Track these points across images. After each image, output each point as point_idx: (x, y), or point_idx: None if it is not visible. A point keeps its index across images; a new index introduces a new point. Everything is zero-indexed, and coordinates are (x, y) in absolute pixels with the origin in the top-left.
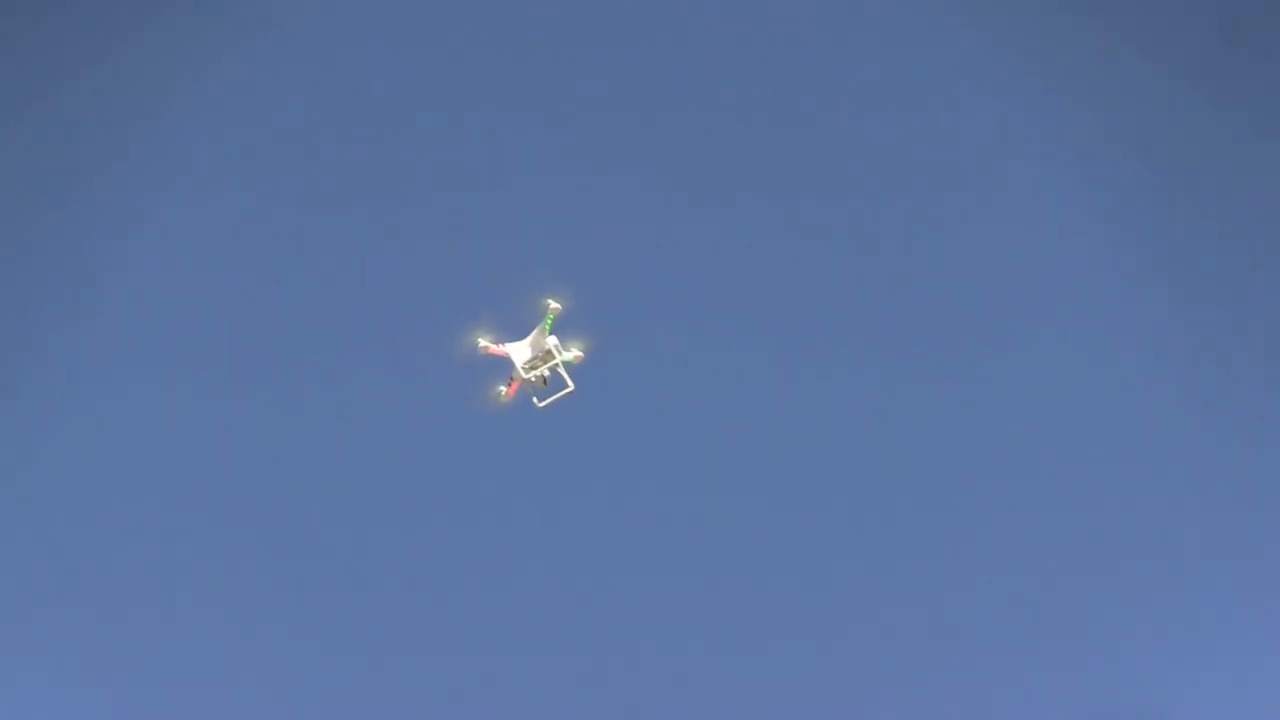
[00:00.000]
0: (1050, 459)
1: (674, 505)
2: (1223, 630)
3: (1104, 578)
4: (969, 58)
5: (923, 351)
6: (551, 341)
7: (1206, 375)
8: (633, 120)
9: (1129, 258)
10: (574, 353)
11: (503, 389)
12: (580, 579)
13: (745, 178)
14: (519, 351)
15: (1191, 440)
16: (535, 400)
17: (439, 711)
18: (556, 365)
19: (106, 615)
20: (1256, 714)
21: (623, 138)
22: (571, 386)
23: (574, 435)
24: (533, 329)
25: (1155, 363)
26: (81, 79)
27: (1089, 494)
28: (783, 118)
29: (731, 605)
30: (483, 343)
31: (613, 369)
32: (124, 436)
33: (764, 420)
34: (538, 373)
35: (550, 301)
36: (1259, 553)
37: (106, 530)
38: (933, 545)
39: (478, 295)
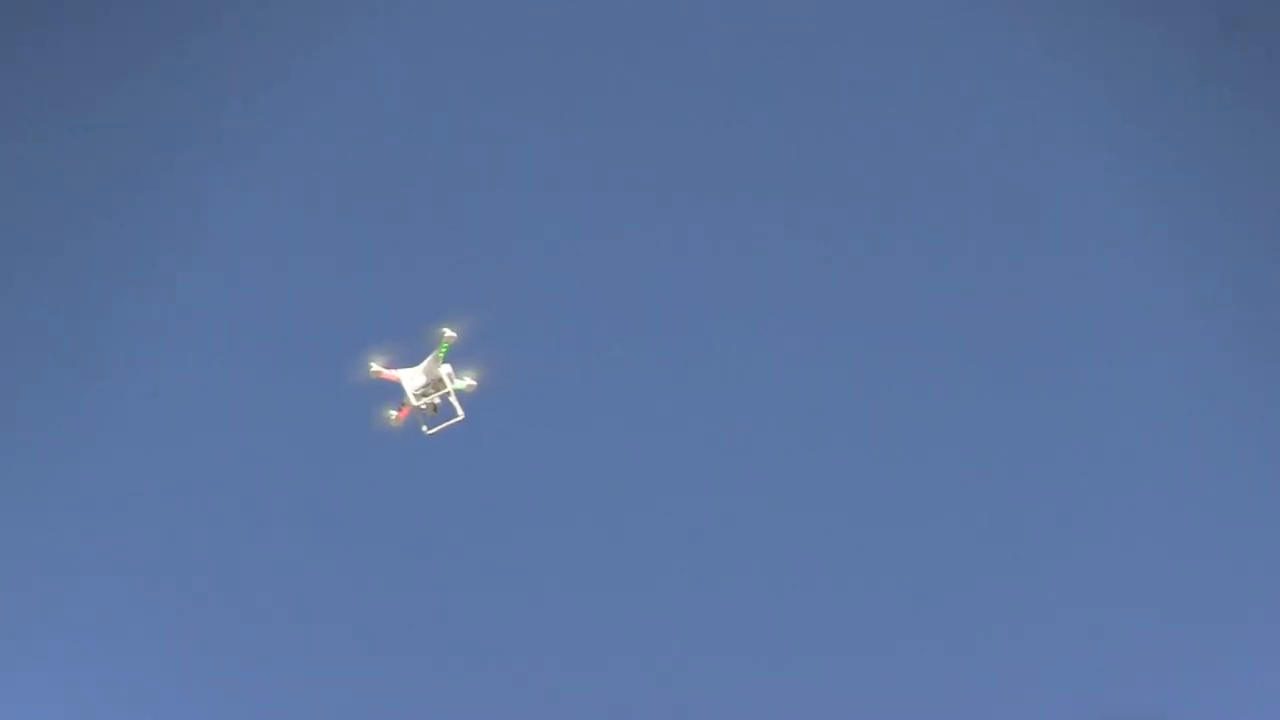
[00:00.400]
0: (1062, 464)
1: (702, 510)
2: (1223, 630)
3: (1105, 577)
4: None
5: (948, 362)
6: (445, 369)
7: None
8: (660, 128)
9: (1180, 274)
10: (467, 381)
11: (393, 413)
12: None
13: (786, 193)
14: (411, 378)
15: (1216, 448)
16: (424, 428)
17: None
18: (448, 393)
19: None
20: (1257, 714)
21: (648, 145)
22: (461, 415)
23: (581, 443)
24: (427, 356)
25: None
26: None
27: (1091, 495)
28: (817, 127)
29: (742, 610)
30: (374, 367)
31: (644, 376)
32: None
33: (795, 431)
34: (428, 400)
35: (445, 330)
36: (1260, 553)
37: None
38: (933, 546)
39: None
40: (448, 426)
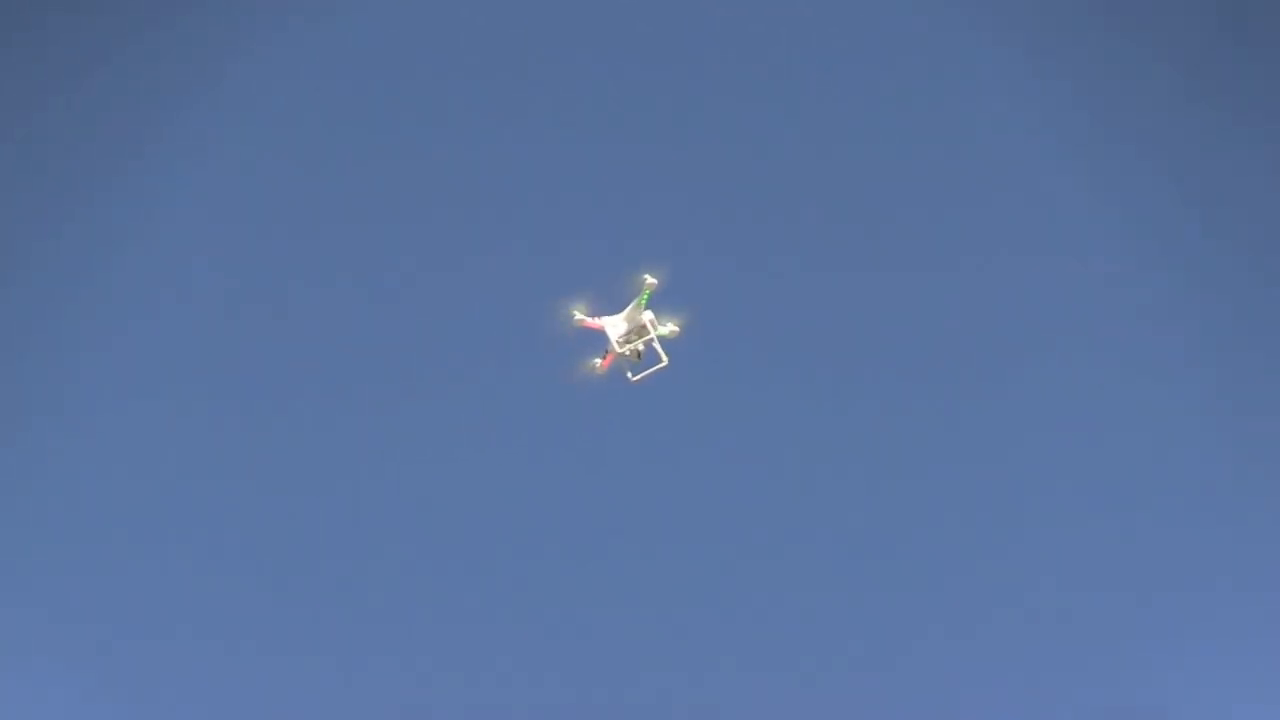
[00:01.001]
0: (1063, 470)
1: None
2: (1223, 631)
3: (1104, 578)
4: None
5: (944, 369)
6: (647, 316)
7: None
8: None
9: (1162, 282)
10: (670, 327)
11: (597, 362)
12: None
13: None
14: (614, 325)
15: (1204, 452)
16: (629, 374)
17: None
18: (651, 340)
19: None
20: (1256, 714)
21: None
22: (665, 361)
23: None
24: (628, 304)
25: (1181, 380)
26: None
27: (1092, 498)
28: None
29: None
30: (577, 315)
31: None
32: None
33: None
34: (631, 346)
35: (647, 277)
36: (1261, 553)
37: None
38: (934, 545)
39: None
40: (653, 372)
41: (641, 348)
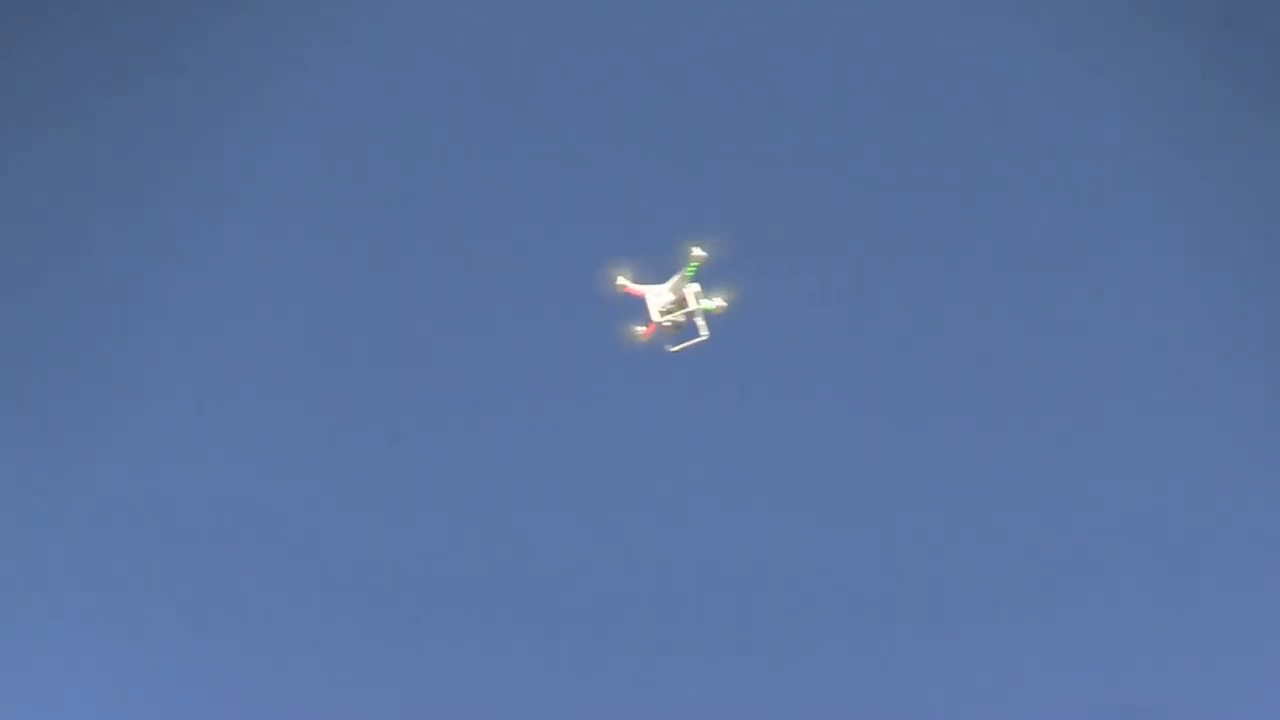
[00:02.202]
0: (1063, 470)
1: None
2: (1224, 630)
3: (1104, 579)
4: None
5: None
6: (693, 289)
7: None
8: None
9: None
10: (716, 302)
11: (639, 329)
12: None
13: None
14: (657, 295)
15: (1205, 451)
16: (668, 346)
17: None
18: (695, 313)
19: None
20: (1257, 714)
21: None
22: (705, 335)
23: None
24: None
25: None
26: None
27: (1094, 496)
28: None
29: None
30: (620, 280)
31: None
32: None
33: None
34: (672, 318)
35: (695, 249)
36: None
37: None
38: (935, 545)
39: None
40: (691, 345)
41: (682, 319)
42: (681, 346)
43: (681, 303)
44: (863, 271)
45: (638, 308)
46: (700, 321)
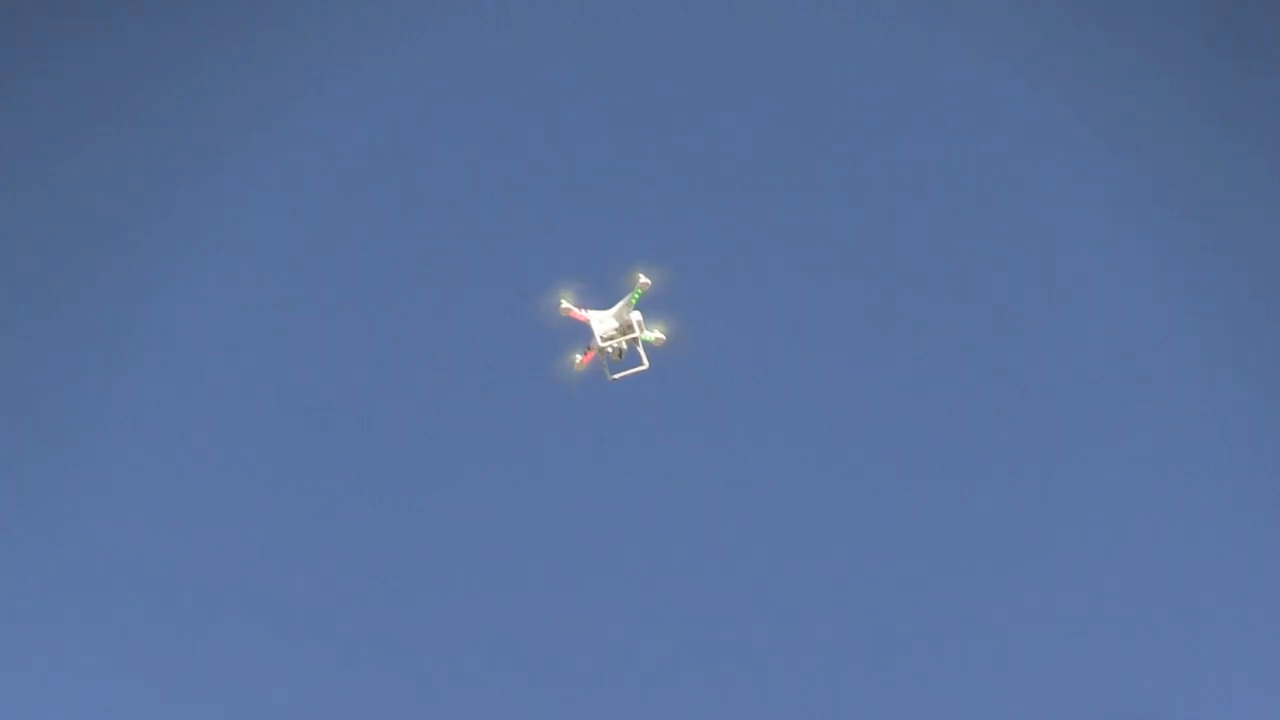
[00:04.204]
0: (1064, 458)
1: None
2: (1223, 630)
3: (1105, 579)
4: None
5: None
6: (635, 316)
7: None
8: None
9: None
10: (655, 334)
11: (578, 357)
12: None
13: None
14: (601, 321)
15: (1207, 449)
16: (607, 373)
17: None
18: (636, 341)
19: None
20: (1256, 714)
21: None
22: (646, 364)
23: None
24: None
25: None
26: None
27: (1094, 495)
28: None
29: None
30: (564, 304)
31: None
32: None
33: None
34: (614, 345)
35: (640, 276)
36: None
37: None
38: (934, 545)
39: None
40: (632, 374)
41: (624, 347)
42: (623, 375)
43: (626, 329)
44: (819, 299)
45: (581, 332)
46: (641, 350)
